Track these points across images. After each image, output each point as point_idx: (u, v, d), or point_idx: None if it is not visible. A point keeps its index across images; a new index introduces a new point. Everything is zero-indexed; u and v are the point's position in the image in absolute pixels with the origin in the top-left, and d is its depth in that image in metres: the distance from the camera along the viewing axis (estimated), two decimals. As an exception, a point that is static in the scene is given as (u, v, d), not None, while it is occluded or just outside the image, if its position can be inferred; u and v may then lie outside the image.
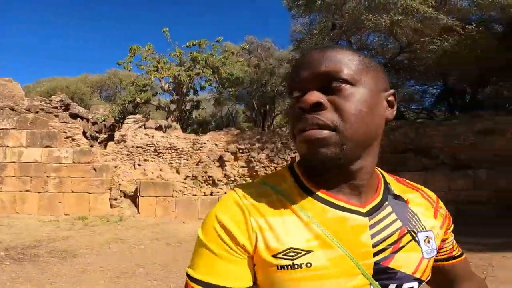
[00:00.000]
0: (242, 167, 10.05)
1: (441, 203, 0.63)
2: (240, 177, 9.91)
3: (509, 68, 10.15)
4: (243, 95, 14.91)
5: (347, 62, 0.50)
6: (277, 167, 9.51)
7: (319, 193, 0.52)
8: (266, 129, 14.53)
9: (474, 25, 8.97)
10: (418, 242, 0.54)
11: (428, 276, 0.56)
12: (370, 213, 0.53)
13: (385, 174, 0.62)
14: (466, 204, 6.78)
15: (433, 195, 0.64)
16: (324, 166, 0.50)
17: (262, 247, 0.49)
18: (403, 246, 0.52)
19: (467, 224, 4.21)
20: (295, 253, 0.48)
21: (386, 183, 0.59)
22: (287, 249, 0.48)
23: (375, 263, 0.50)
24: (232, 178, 9.96)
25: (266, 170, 9.56)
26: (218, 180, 10.00)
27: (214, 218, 0.51)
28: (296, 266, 0.47)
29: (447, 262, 0.64)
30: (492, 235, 5.09)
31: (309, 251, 0.48)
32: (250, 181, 8.87)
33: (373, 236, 0.51)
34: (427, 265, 0.55)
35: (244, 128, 12.00)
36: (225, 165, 10.25)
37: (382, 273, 0.50)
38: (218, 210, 0.52)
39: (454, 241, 0.66)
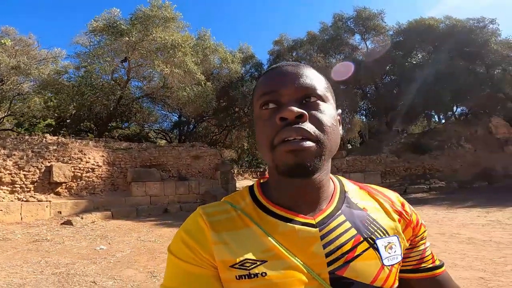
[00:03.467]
0: (-26, 174, 8.91)
1: (408, 209, 0.62)
2: (-31, 185, 8.73)
3: (222, 110, 16.81)
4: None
5: (318, 81, 0.54)
6: (27, 175, 9.38)
7: (272, 209, 0.56)
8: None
9: (210, 82, 14.49)
10: (377, 249, 0.54)
11: (393, 285, 0.54)
12: (321, 224, 0.54)
13: (345, 182, 0.63)
14: (184, 202, 10.82)
15: (398, 201, 0.63)
16: (297, 176, 0.51)
17: (222, 259, 0.51)
18: (358, 255, 0.52)
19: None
20: (251, 264, 0.50)
21: (343, 192, 0.60)
22: (243, 260, 0.51)
23: (330, 273, 0.51)
24: (-45, 187, 8.59)
25: (13, 177, 9.16)
26: None
27: (181, 235, 0.55)
28: (252, 276, 0.50)
29: (412, 275, 0.61)
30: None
31: (263, 261, 0.51)
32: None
33: (325, 246, 0.52)
34: (390, 272, 0.54)
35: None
36: None
37: (338, 282, 0.50)
38: (184, 228, 0.56)
39: (429, 251, 0.63)
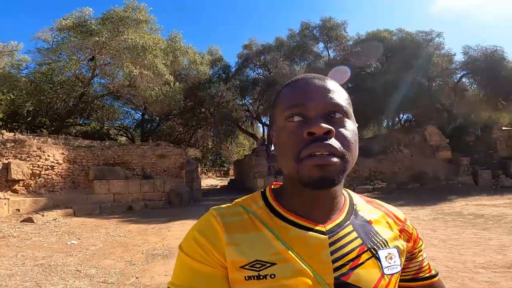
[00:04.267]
0: None
1: (409, 224, 0.67)
2: None
3: (188, 110, 17.12)
4: None
5: (343, 96, 0.57)
6: (-18, 172, 9.09)
7: (284, 214, 0.58)
8: None
9: (178, 83, 14.77)
10: (379, 259, 0.57)
11: None
12: (331, 232, 0.56)
13: (354, 195, 0.67)
14: (149, 200, 11.11)
15: (401, 216, 0.67)
16: (320, 188, 0.54)
17: (233, 260, 0.53)
18: (362, 263, 0.55)
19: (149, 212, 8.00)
20: (261, 265, 0.53)
21: (352, 204, 0.64)
22: (253, 261, 0.53)
23: (335, 278, 0.53)
24: None
25: (-34, 174, 8.83)
26: None
27: (193, 235, 0.57)
28: (261, 277, 0.52)
29: (411, 284, 0.67)
30: (163, 216, 9.36)
31: (273, 264, 0.53)
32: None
33: (332, 252, 0.55)
34: (389, 281, 0.57)
35: None
36: None
37: (342, 287, 0.53)
38: (196, 227, 0.58)
39: (426, 262, 0.69)
